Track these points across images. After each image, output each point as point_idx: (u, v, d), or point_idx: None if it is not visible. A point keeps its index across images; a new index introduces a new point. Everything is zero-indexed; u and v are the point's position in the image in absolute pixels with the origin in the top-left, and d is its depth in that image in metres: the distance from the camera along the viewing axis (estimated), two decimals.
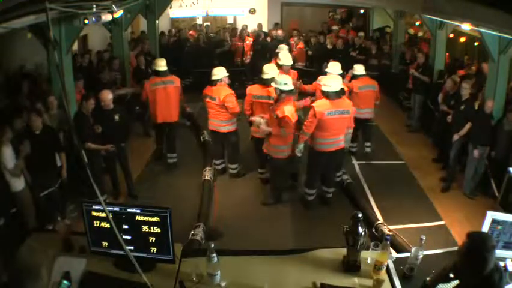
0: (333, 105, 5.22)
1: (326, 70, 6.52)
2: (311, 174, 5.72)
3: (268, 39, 11.26)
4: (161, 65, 6.45)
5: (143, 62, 8.19)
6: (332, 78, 5.48)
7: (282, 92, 5.32)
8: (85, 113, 5.42)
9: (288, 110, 5.23)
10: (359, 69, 6.97)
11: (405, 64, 9.65)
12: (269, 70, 5.93)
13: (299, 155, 5.61)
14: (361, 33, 11.41)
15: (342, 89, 5.47)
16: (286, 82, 5.33)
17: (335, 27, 12.13)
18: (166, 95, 6.44)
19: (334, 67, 6.33)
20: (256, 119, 5.61)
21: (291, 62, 6.58)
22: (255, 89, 6.00)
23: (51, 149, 5.01)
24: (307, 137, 5.38)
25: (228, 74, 6.19)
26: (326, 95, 5.26)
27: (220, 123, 6.22)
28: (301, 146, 5.50)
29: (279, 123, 5.30)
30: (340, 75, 6.13)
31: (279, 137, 5.38)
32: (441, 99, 7.05)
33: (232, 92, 6.08)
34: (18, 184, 4.57)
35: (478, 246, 2.18)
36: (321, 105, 5.24)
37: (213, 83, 6.09)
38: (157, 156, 7.25)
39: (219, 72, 6.09)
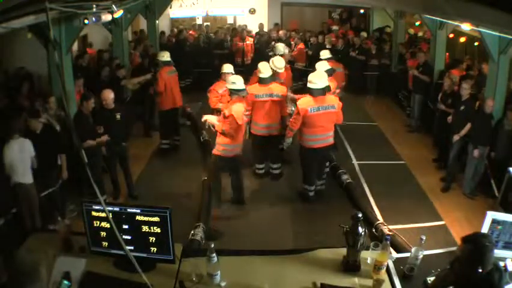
0: (316, 102, 5.34)
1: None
2: (308, 171, 5.84)
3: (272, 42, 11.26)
4: (168, 56, 7.11)
5: (147, 61, 8.30)
6: (318, 75, 5.51)
7: (231, 91, 5.36)
8: (85, 112, 5.42)
9: (235, 110, 5.16)
10: (325, 53, 7.42)
11: (405, 64, 9.64)
12: (265, 69, 6.05)
13: (285, 148, 5.89)
14: (363, 34, 11.39)
15: (328, 85, 5.55)
16: (235, 81, 5.32)
17: (335, 28, 12.10)
18: (175, 82, 7.21)
19: (322, 65, 6.42)
20: (209, 117, 5.52)
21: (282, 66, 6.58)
22: (256, 89, 6.06)
23: (51, 149, 5.00)
24: (293, 133, 5.61)
25: (230, 72, 6.31)
26: (311, 92, 5.37)
27: None
28: (288, 140, 5.71)
29: (224, 121, 5.31)
30: (328, 71, 6.12)
31: (229, 136, 5.27)
32: (440, 99, 7.07)
33: (218, 89, 6.26)
34: (31, 176, 4.67)
35: (477, 245, 2.18)
36: (304, 102, 5.40)
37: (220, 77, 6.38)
38: (165, 149, 7.45)
39: (225, 68, 6.36)
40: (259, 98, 6.01)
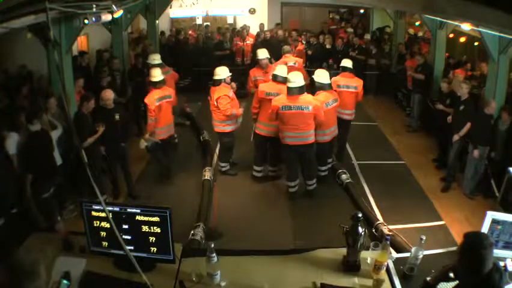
0: (290, 101, 5.48)
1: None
2: (287, 167, 6.01)
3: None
4: (158, 58, 7.18)
5: (140, 62, 8.26)
6: (295, 74, 5.61)
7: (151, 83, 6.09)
8: (85, 112, 5.42)
9: (147, 97, 5.94)
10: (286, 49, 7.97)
11: (403, 63, 9.63)
12: (280, 68, 6.12)
13: None
14: (367, 36, 11.32)
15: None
16: (155, 75, 6.07)
17: (350, 29, 11.91)
18: (168, 84, 6.97)
19: (346, 62, 6.84)
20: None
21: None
22: (268, 86, 6.06)
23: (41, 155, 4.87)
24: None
25: (230, 74, 6.25)
26: (288, 90, 5.52)
27: (216, 122, 6.35)
28: None
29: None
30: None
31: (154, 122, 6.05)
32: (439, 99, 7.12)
33: (228, 94, 6.09)
34: None
35: (476, 244, 2.18)
36: (277, 99, 5.61)
37: (216, 82, 6.15)
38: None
39: (222, 72, 6.16)
40: (269, 96, 5.92)
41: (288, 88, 5.51)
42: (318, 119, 5.61)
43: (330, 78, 6.12)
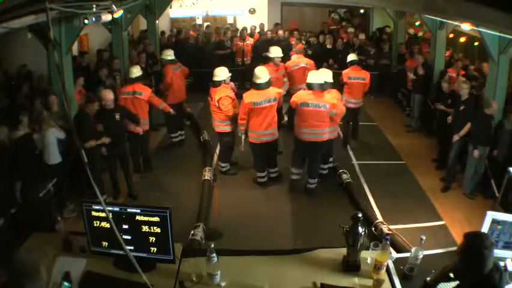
0: (310, 98, 5.57)
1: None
2: (294, 157, 6.08)
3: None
4: (172, 54, 7.34)
5: (143, 61, 8.26)
6: (316, 72, 5.84)
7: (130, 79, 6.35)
8: (89, 112, 5.42)
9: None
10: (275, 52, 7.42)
11: (403, 63, 9.62)
12: (262, 74, 5.88)
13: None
14: (362, 36, 11.31)
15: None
16: (129, 71, 6.38)
17: (351, 30, 11.89)
18: (181, 78, 7.41)
19: (351, 57, 7.55)
20: None
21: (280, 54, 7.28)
22: (254, 96, 5.83)
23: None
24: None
25: (230, 75, 6.26)
26: (310, 86, 5.60)
27: (216, 122, 6.35)
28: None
29: None
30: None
31: None
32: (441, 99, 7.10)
33: (229, 94, 6.09)
34: None
35: (476, 244, 2.18)
36: (297, 95, 5.74)
37: (215, 83, 6.14)
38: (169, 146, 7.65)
39: (221, 73, 6.15)
40: (256, 106, 5.79)
41: (307, 84, 5.64)
42: (335, 117, 5.75)
43: (333, 77, 6.15)
